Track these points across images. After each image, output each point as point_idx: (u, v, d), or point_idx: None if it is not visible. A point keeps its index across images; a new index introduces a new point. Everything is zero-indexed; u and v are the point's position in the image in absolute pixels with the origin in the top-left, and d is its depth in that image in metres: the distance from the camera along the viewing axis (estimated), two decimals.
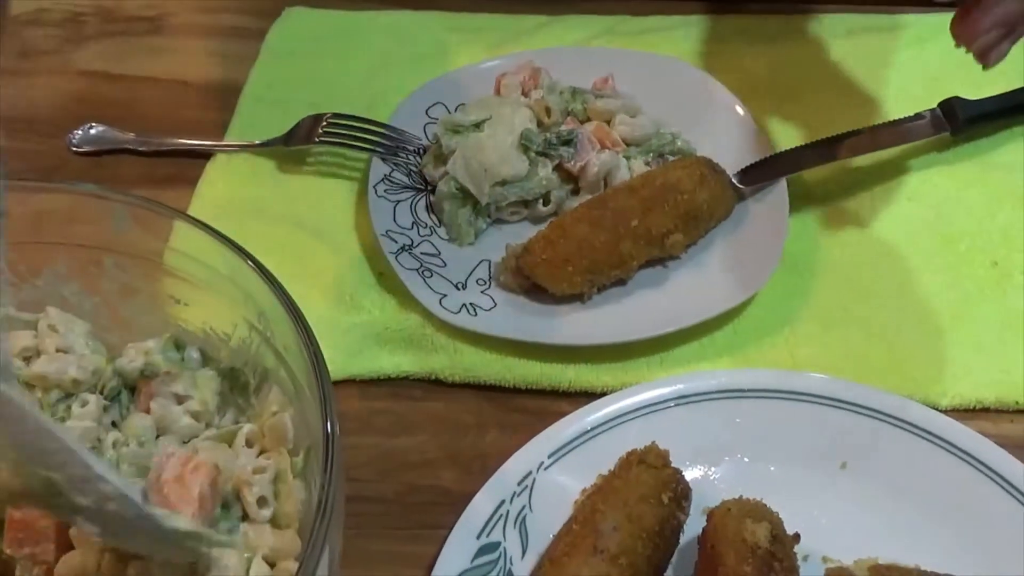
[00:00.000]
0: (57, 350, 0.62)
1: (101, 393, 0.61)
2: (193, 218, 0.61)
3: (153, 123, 0.87)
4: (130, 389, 0.62)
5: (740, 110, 0.82)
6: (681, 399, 0.67)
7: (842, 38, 0.92)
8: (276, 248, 0.77)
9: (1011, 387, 0.69)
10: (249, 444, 0.59)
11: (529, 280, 0.73)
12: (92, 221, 0.62)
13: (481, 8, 0.95)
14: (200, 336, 0.63)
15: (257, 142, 0.84)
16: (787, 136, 0.83)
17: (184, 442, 0.60)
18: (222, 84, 0.91)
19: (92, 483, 0.47)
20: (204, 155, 0.84)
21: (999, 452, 0.64)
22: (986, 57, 0.67)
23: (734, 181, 0.77)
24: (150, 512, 0.48)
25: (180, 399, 0.61)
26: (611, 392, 0.69)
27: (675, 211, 0.73)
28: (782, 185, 0.77)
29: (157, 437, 0.60)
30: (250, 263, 0.58)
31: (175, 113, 0.89)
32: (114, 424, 0.61)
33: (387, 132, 0.81)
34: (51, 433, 0.45)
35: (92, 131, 0.86)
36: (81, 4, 0.98)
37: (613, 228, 0.72)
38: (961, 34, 0.66)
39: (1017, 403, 0.69)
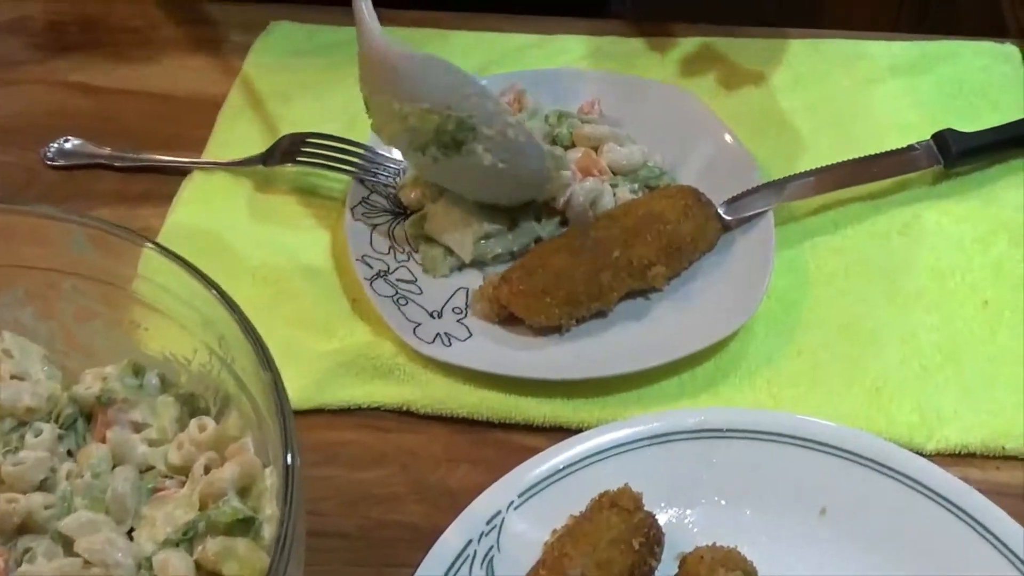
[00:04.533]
0: (12, 376, 0.60)
1: (56, 421, 0.59)
2: (152, 241, 0.60)
3: (131, 138, 0.86)
4: (86, 417, 0.60)
5: (728, 137, 0.80)
6: (657, 438, 0.65)
7: (835, 63, 0.90)
8: (250, 271, 0.76)
9: (998, 432, 0.67)
10: (208, 471, 0.57)
11: (506, 310, 0.71)
12: (50, 243, 0.60)
13: (470, 26, 0.94)
14: (160, 361, 0.62)
15: (235, 160, 0.82)
16: (776, 164, 0.81)
17: (141, 471, 0.58)
18: (204, 99, 0.89)
19: (499, 115, 0.69)
20: (181, 172, 0.83)
21: (982, 500, 0.62)
22: None
23: (720, 212, 0.75)
24: (533, 137, 0.72)
25: (138, 427, 0.59)
26: (586, 428, 0.67)
27: (658, 242, 0.71)
28: (769, 217, 0.75)
29: (113, 467, 0.58)
30: (209, 287, 0.57)
31: (154, 128, 0.87)
32: (69, 453, 0.59)
33: (366, 154, 0.79)
34: (473, 80, 0.70)
35: (68, 144, 0.84)
36: (64, 13, 0.96)
37: (593, 259, 0.70)
38: None
39: (1004, 449, 0.66)
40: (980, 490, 0.62)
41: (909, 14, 1.54)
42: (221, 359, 0.58)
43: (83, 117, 0.88)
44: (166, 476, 0.58)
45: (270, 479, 0.55)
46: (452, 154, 0.70)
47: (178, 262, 0.58)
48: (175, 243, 0.76)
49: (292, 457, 0.49)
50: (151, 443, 0.59)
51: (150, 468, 0.58)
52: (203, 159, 0.83)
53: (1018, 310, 0.73)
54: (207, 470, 0.56)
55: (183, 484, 0.57)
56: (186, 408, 0.60)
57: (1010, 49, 0.90)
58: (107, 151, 0.84)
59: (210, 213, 0.80)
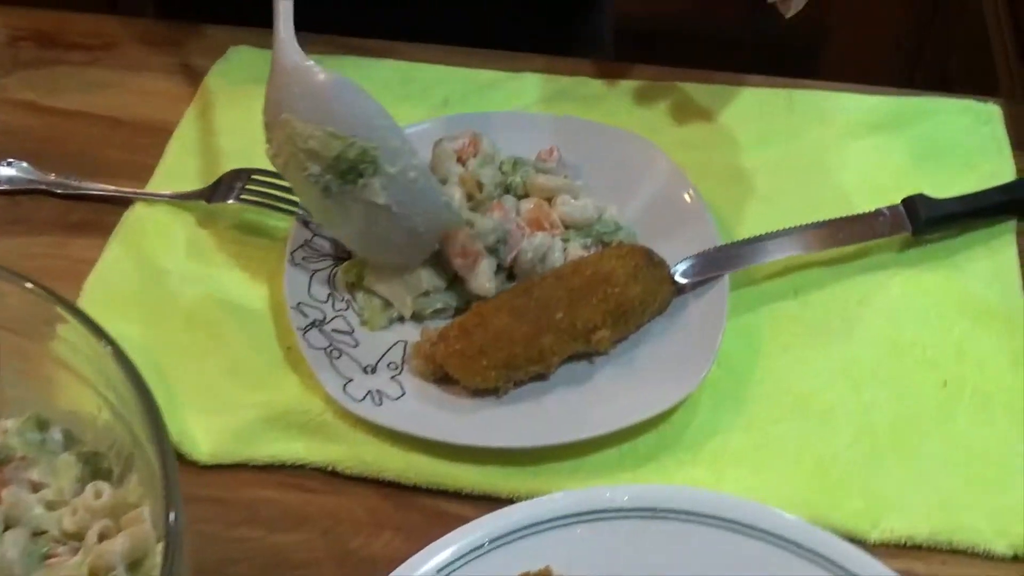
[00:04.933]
0: None
1: None
2: (48, 291, 0.57)
3: (77, 163, 0.83)
4: None
5: (690, 194, 0.77)
6: (587, 515, 0.62)
7: (809, 116, 0.87)
8: (183, 313, 0.74)
9: (947, 524, 0.64)
10: (103, 539, 0.54)
11: (443, 369, 0.68)
12: None
13: (433, 58, 0.91)
14: (67, 415, 0.59)
15: (177, 193, 0.79)
16: (738, 222, 0.78)
17: (35, 534, 0.55)
18: (155, 125, 0.86)
19: (404, 154, 0.66)
20: (123, 202, 0.80)
21: None
22: (786, 6, 0.74)
23: (673, 274, 0.72)
24: (435, 185, 0.69)
25: (36, 486, 0.57)
26: (518, 498, 0.65)
27: (604, 305, 0.68)
28: (724, 281, 0.72)
29: (5, 529, 0.55)
30: (104, 342, 0.54)
31: (102, 153, 0.84)
32: None
33: None
34: (384, 112, 0.66)
35: (10, 168, 0.82)
36: (18, 28, 0.93)
37: (535, 320, 0.67)
38: None
39: (951, 543, 0.63)
40: None
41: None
42: (121, 417, 0.55)
43: (29, 139, 0.85)
44: (59, 542, 0.55)
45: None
46: (347, 186, 0.66)
47: (76, 315, 0.55)
48: (109, 280, 0.75)
49: (171, 543, 0.47)
50: (48, 505, 0.56)
51: (44, 532, 0.55)
52: (146, 190, 0.80)
53: (978, 393, 0.70)
54: (101, 538, 0.54)
55: (76, 551, 0.54)
56: (88, 468, 0.57)
57: (991, 108, 0.87)
58: (51, 177, 0.81)
59: (148, 249, 0.77)
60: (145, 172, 0.82)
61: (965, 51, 1.35)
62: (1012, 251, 0.77)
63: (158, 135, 0.85)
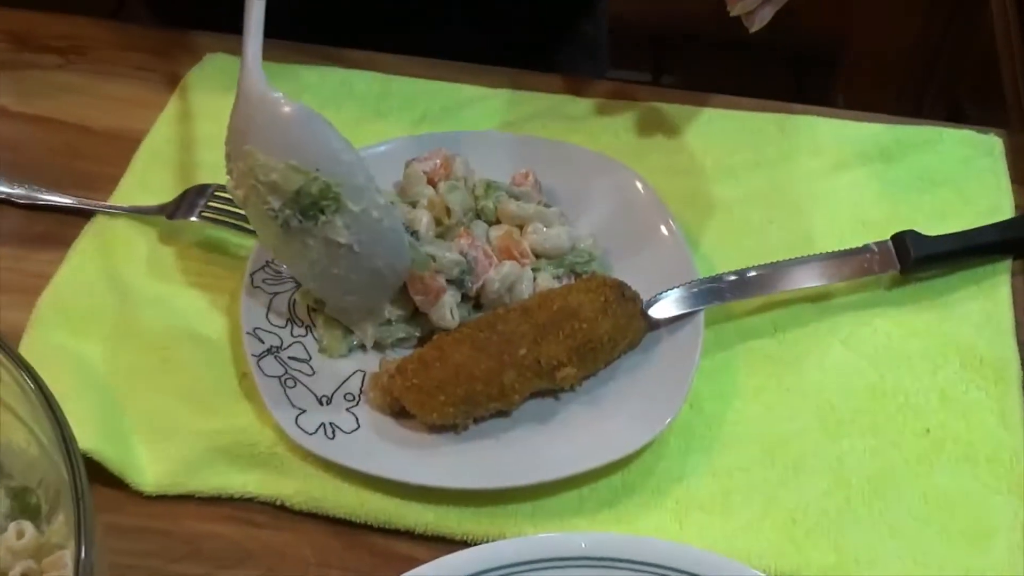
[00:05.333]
0: None
1: None
2: None
3: (44, 171, 0.80)
4: None
5: (669, 225, 0.74)
6: (540, 562, 0.59)
7: (801, 144, 0.83)
8: (138, 333, 0.71)
9: None
10: None
11: (400, 402, 0.66)
12: None
13: (411, 71, 0.88)
14: None
15: (138, 207, 0.77)
16: (720, 255, 0.75)
17: None
18: (126, 134, 0.83)
19: (369, 192, 0.63)
20: (85, 214, 0.77)
21: None
22: (750, 20, 0.72)
23: (647, 309, 0.69)
24: (399, 225, 0.66)
25: None
26: (472, 541, 0.62)
27: (570, 341, 0.66)
28: (699, 318, 0.69)
29: None
30: (27, 379, 0.52)
31: (70, 163, 0.82)
32: None
33: None
34: (349, 148, 0.63)
35: None
36: None
37: (498, 355, 0.65)
38: None
39: None
40: None
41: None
42: (49, 456, 0.53)
43: None
44: None
45: None
46: (307, 222, 0.63)
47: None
48: (64, 296, 0.73)
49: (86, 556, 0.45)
50: None
51: None
52: (108, 203, 0.78)
53: (961, 442, 0.67)
54: None
55: None
56: (16, 503, 0.55)
57: (992, 140, 0.83)
58: (13, 187, 0.79)
59: (107, 264, 0.74)
60: (110, 183, 0.80)
61: (975, 71, 1.32)
62: (1006, 292, 0.74)
63: (125, 145, 0.82)
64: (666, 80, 2.09)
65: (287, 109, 0.63)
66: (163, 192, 0.78)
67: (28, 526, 0.52)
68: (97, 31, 0.91)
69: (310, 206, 0.62)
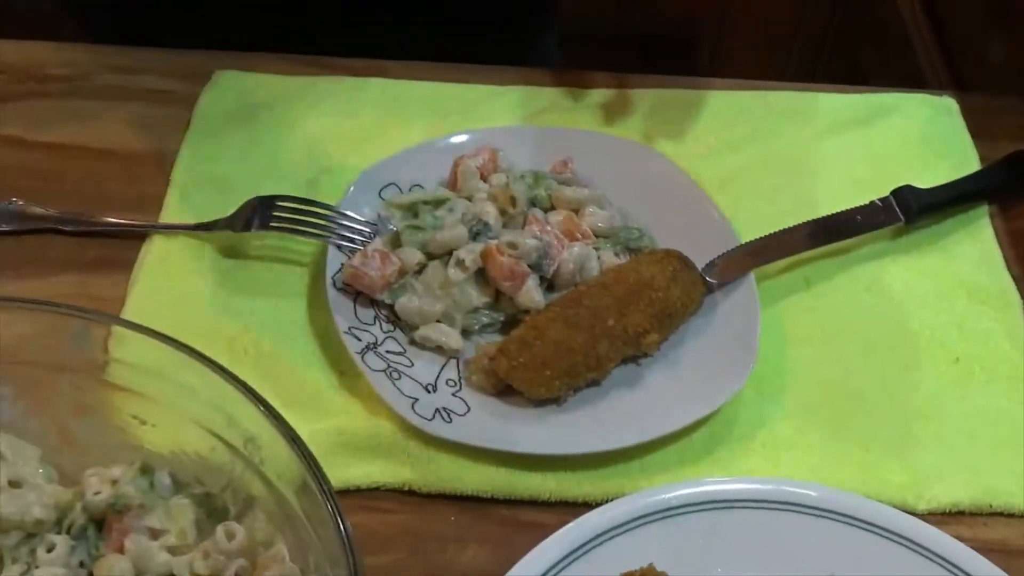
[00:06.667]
0: (9, 482, 0.56)
1: (68, 532, 0.55)
2: (165, 336, 0.57)
3: (77, 198, 0.81)
4: (97, 524, 0.56)
5: (700, 196, 0.81)
6: (661, 513, 0.65)
7: (785, 117, 0.91)
8: (225, 342, 0.73)
9: (982, 489, 0.69)
10: None
11: (504, 382, 0.70)
12: (34, 335, 0.57)
13: (416, 75, 0.92)
14: (169, 458, 0.59)
15: (200, 223, 0.78)
16: (742, 222, 0.82)
17: None
18: (150, 154, 0.84)
19: None
20: (137, 236, 0.78)
21: (981, 561, 0.64)
22: None
23: (704, 275, 0.76)
24: None
25: (155, 533, 0.56)
26: (591, 501, 0.67)
27: (650, 309, 0.72)
28: (750, 279, 0.76)
29: None
30: (236, 385, 0.54)
31: (100, 186, 0.82)
32: (82, 564, 0.55)
33: (336, 216, 0.77)
34: None
35: (11, 207, 0.79)
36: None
37: (590, 328, 0.70)
38: None
39: (991, 506, 0.69)
40: (970, 547, 0.64)
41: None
42: (246, 459, 0.55)
43: (23, 176, 0.82)
44: None
45: None
46: None
47: (195, 357, 0.56)
48: (143, 315, 0.74)
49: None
50: (171, 550, 0.56)
51: None
52: (162, 222, 0.79)
53: (987, 367, 0.76)
54: None
55: None
56: (203, 510, 0.57)
57: (948, 102, 0.93)
58: (54, 213, 0.79)
59: (176, 281, 0.76)
60: (149, 203, 0.81)
61: (878, 44, 1.42)
62: (990, 232, 0.84)
63: (155, 164, 0.84)
64: None
65: None
66: (207, 207, 0.80)
67: (237, 527, 0.55)
68: (92, 57, 0.91)
69: None
